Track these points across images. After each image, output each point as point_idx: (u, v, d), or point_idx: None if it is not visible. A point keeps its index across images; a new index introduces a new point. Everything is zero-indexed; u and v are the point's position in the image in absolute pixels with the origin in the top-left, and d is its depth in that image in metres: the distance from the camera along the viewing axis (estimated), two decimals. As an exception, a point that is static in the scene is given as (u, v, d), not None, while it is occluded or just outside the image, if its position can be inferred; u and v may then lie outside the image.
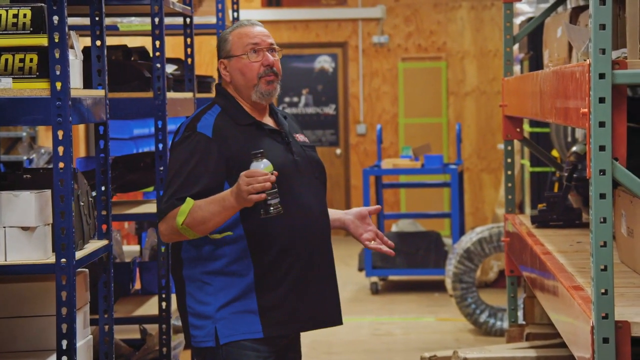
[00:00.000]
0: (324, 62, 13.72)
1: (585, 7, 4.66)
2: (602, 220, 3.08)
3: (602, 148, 3.08)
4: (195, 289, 3.53)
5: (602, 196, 3.08)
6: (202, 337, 3.51)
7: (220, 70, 3.63)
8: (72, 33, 3.80)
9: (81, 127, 10.85)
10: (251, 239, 3.49)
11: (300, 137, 3.68)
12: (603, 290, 3.08)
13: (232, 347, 3.48)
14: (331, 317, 3.63)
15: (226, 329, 3.48)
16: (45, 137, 9.58)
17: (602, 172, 3.08)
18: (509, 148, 5.98)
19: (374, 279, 9.72)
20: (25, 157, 8.23)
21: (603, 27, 3.06)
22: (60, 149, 3.49)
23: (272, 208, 3.33)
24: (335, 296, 3.64)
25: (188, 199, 3.42)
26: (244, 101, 3.61)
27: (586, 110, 3.11)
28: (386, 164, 10.18)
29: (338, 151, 13.70)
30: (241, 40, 3.57)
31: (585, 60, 3.18)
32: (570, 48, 4.60)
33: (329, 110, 13.74)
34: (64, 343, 3.50)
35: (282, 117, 3.68)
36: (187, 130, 3.53)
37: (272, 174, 3.33)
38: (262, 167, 3.33)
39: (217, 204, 3.41)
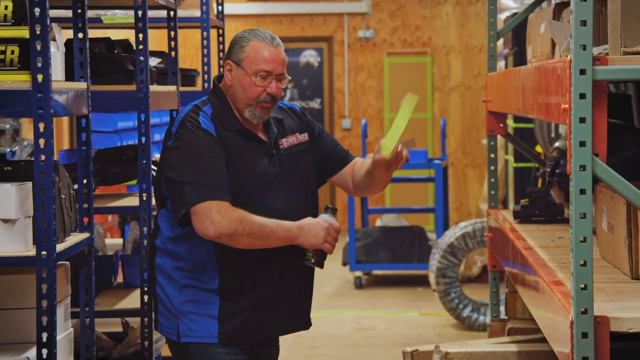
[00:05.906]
0: (309, 56, 13.71)
1: (568, 3, 4.67)
2: (581, 215, 3.09)
3: (582, 144, 3.09)
4: (164, 280, 3.56)
5: (582, 192, 3.09)
6: (167, 328, 3.57)
7: (224, 71, 3.58)
8: (54, 25, 3.79)
9: (65, 120, 10.82)
10: (218, 247, 3.48)
11: (292, 140, 3.65)
12: (582, 285, 3.09)
13: (203, 344, 3.50)
14: (299, 323, 3.65)
15: (186, 328, 3.52)
16: (28, 129, 9.55)
17: (582, 167, 3.09)
18: (492, 143, 5.99)
19: (358, 273, 9.74)
20: (8, 150, 8.19)
21: (584, 23, 3.07)
22: (42, 142, 3.48)
23: (324, 261, 3.48)
24: (307, 305, 3.65)
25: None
26: (236, 107, 3.57)
27: (567, 106, 3.12)
28: (371, 158, 10.18)
29: (323, 145, 13.70)
30: (256, 59, 3.52)
31: (566, 56, 3.19)
32: (554, 44, 4.61)
33: (314, 104, 13.74)
34: (44, 336, 3.50)
35: (274, 121, 3.64)
36: (191, 123, 3.46)
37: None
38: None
39: (283, 230, 3.41)
